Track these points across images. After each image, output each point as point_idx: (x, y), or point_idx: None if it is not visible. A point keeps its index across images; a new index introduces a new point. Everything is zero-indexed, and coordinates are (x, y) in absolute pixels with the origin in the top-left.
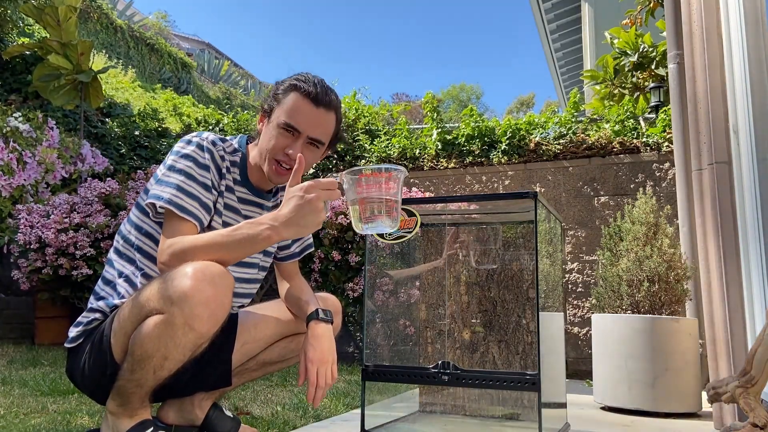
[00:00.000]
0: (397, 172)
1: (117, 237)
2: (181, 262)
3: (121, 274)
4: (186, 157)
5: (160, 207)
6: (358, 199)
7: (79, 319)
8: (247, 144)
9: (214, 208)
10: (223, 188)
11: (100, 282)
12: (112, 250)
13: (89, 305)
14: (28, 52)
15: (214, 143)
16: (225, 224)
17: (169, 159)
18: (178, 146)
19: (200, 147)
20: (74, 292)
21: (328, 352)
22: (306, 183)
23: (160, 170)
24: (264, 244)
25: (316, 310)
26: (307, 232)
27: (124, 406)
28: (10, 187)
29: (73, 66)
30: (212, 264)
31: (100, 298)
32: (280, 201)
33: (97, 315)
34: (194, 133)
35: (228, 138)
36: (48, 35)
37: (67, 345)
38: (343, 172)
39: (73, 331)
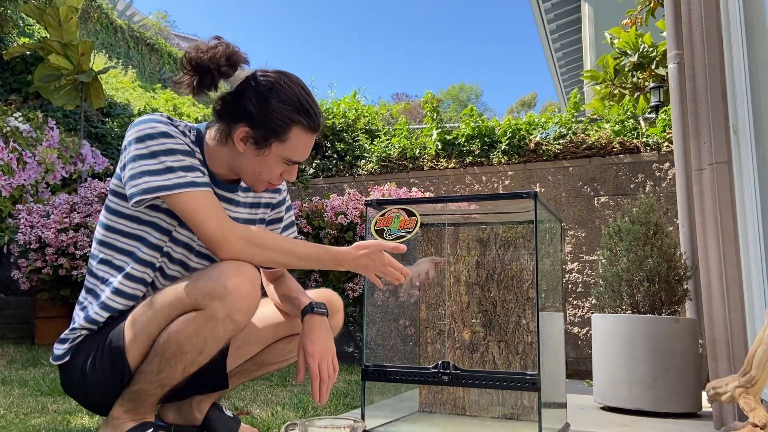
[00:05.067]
0: (353, 430)
1: (93, 243)
2: (254, 249)
3: (104, 281)
4: (150, 137)
5: (174, 195)
6: None
7: (64, 335)
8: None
9: None
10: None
11: (83, 291)
12: (90, 258)
13: (73, 323)
14: (28, 52)
15: (169, 117)
16: None
17: (135, 148)
18: (136, 131)
19: (158, 121)
20: (74, 292)
21: (326, 344)
22: None
23: (130, 164)
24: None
25: (310, 303)
26: None
27: (134, 411)
28: (10, 187)
29: (73, 66)
30: (244, 264)
31: (83, 308)
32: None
33: (83, 332)
34: (139, 119)
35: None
36: (49, 35)
37: (55, 362)
38: (300, 425)
39: (60, 349)
